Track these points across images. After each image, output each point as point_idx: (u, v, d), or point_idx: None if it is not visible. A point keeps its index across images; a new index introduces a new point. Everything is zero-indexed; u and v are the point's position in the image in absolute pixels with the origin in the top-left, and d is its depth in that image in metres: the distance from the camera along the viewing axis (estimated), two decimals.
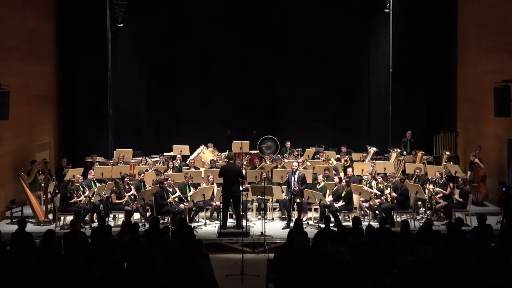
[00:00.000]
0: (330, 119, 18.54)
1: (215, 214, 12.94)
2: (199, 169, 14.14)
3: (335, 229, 9.70)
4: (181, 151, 15.74)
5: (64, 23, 16.41)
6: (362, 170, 14.08)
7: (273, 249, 10.25)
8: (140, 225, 11.29)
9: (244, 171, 12.89)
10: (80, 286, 6.63)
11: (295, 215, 12.25)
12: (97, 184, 12.93)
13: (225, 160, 13.18)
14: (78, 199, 12.25)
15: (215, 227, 12.23)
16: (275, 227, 12.31)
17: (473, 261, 6.83)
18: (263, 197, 12.15)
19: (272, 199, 12.89)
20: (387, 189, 12.47)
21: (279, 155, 15.85)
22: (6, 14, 13.38)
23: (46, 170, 12.99)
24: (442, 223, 11.91)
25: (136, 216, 12.42)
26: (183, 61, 18.03)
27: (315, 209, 12.71)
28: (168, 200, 12.15)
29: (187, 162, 14.67)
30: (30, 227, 11.39)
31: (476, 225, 9.94)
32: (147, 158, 15.38)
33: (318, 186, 12.86)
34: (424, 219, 12.06)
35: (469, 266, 6.79)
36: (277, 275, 7.68)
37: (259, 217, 12.72)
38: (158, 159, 15.29)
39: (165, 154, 15.66)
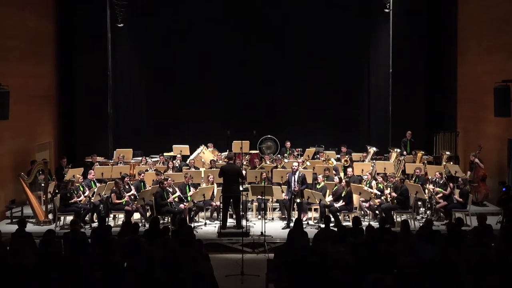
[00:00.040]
0: (330, 119, 18.54)
1: (215, 214, 12.94)
2: (199, 169, 14.14)
3: (335, 229, 9.69)
4: (181, 151, 15.74)
5: (64, 23, 16.41)
6: (362, 170, 14.07)
7: (273, 249, 10.25)
8: (140, 225, 11.29)
9: (244, 171, 12.90)
10: (80, 286, 6.63)
11: (295, 215, 12.25)
12: (97, 184, 12.93)
13: (225, 160, 13.18)
14: (78, 199, 12.25)
15: (215, 227, 12.23)
16: (275, 227, 12.31)
17: (473, 261, 6.83)
18: (263, 197, 12.15)
19: (272, 199, 12.89)
20: (387, 189, 12.47)
21: (279, 155, 15.85)
22: (6, 14, 13.39)
23: (46, 170, 13.00)
24: (442, 223, 11.92)
25: (136, 216, 12.42)
26: (183, 61, 18.02)
27: (315, 209, 12.71)
28: (168, 200, 12.16)
29: (187, 162, 14.67)
30: (30, 227, 11.39)
31: (476, 225, 9.94)
32: (147, 158, 15.38)
33: (318, 186, 12.86)
34: (424, 219, 12.06)
35: (469, 266, 6.79)
36: (277, 275, 7.67)
37: (259, 217, 12.72)
38: (158, 159, 15.29)
39: (165, 154, 15.65)
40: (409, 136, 16.11)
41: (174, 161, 14.90)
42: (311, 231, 10.58)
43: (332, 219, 11.50)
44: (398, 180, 12.59)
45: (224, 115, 17.14)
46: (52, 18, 16.08)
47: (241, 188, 11.74)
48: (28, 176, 12.77)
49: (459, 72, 16.42)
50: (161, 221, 12.03)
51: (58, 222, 12.10)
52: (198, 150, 15.56)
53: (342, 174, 13.78)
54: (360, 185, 12.93)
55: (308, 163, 14.50)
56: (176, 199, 12.42)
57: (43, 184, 13.00)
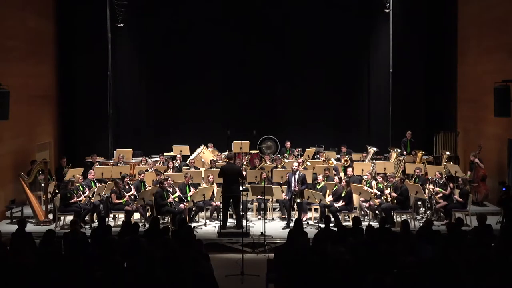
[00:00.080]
0: (330, 119, 18.54)
1: (215, 214, 12.94)
2: (199, 169, 14.14)
3: (335, 229, 9.70)
4: (181, 151, 15.74)
5: (64, 23, 16.41)
6: (362, 170, 14.08)
7: (273, 249, 10.25)
8: (140, 225, 11.29)
9: (244, 171, 12.90)
10: (80, 286, 6.63)
11: (295, 215, 12.25)
12: (97, 184, 12.93)
13: (225, 160, 13.18)
14: (78, 199, 12.25)
15: (215, 227, 12.23)
16: (275, 227, 12.31)
17: (473, 261, 6.83)
18: (263, 197, 12.15)
19: (272, 199, 12.89)
20: (387, 189, 12.47)
21: (279, 155, 15.85)
22: (6, 14, 13.39)
23: (46, 170, 12.99)
24: (442, 223, 11.92)
25: (136, 216, 12.42)
26: (183, 61, 18.02)
27: (315, 209, 12.71)
28: (168, 200, 12.15)
29: (187, 162, 14.67)
30: (30, 227, 11.39)
31: (476, 225, 9.94)
32: (147, 158, 15.38)
33: (318, 186, 12.86)
34: (424, 219, 12.06)
35: (469, 266, 6.79)
36: (277, 275, 7.67)
37: (259, 217, 12.72)
38: (158, 159, 15.29)
39: (165, 154, 15.66)
40: (409, 136, 16.11)
41: (174, 161, 14.90)
42: (311, 231, 10.58)
43: (332, 219, 11.50)
44: (398, 180, 12.59)
45: (224, 115, 17.14)
46: (52, 18, 16.08)
47: (241, 188, 11.74)
48: (28, 176, 12.77)
49: (459, 72, 16.42)
50: (161, 221, 12.03)
51: (58, 222, 12.10)
52: (198, 150, 15.56)
53: (342, 174, 13.78)
54: (360, 185, 12.93)
55: (308, 163, 14.49)
56: (176, 199, 12.42)
57: (43, 184, 13.00)
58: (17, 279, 6.68)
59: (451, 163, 14.53)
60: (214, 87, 18.32)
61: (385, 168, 14.05)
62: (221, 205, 11.82)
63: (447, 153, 15.18)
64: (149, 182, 13.15)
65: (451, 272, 6.53)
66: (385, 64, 17.14)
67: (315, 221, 12.56)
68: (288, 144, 16.42)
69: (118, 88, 17.36)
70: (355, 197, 12.48)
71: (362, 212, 12.77)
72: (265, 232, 11.28)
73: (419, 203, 12.95)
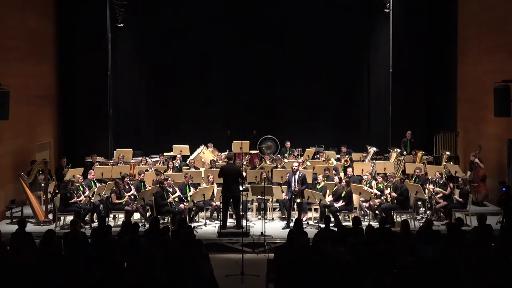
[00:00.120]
0: (330, 119, 18.54)
1: (215, 214, 12.94)
2: (199, 169, 14.14)
3: (335, 229, 9.69)
4: (181, 151, 15.73)
5: (64, 23, 16.41)
6: (362, 170, 14.07)
7: (273, 249, 10.25)
8: (140, 225, 11.29)
9: (244, 171, 12.90)
10: (80, 286, 6.63)
11: (295, 215, 12.25)
12: (97, 184, 12.92)
13: (225, 160, 13.18)
14: (78, 199, 12.25)
15: (215, 227, 12.23)
16: (275, 227, 12.31)
17: (473, 261, 6.83)
18: (263, 197, 12.15)
19: (272, 199, 12.89)
20: (387, 189, 12.47)
21: (279, 155, 15.85)
22: (6, 14, 13.38)
23: (46, 170, 12.99)
24: (442, 223, 11.91)
25: (136, 216, 12.42)
26: (183, 61, 18.02)
27: (315, 209, 12.71)
28: (168, 200, 12.15)
29: (187, 162, 14.67)
30: (30, 227, 11.39)
31: (476, 225, 9.94)
32: (147, 158, 15.37)
33: (318, 186, 12.86)
34: (424, 219, 12.06)
35: (469, 266, 6.79)
36: (277, 275, 7.67)
37: (259, 217, 12.72)
38: (158, 159, 15.29)
39: (165, 154, 15.65)
40: (409, 136, 16.11)
41: (174, 161, 14.89)
42: (311, 231, 10.58)
43: (332, 219, 11.50)
44: (398, 180, 12.59)
45: (224, 115, 17.14)
46: (52, 18, 16.08)
47: (241, 188, 11.74)
48: (28, 176, 12.77)
49: (459, 72, 16.42)
50: (161, 221, 12.03)
51: (58, 222, 12.10)
52: (198, 150, 15.56)
53: (342, 174, 13.78)
54: (360, 185, 12.92)
55: (308, 163, 14.49)
56: (176, 199, 12.42)
57: (43, 184, 13.00)
58: (17, 279, 6.68)
59: (451, 163, 14.53)
60: (214, 87, 18.32)
61: (385, 168, 14.05)
62: (221, 205, 11.82)
63: (447, 153, 15.18)
64: (149, 182, 13.15)
65: (451, 272, 6.53)
66: (385, 64, 17.14)
67: (315, 221, 12.56)
68: (288, 144, 16.41)
69: (118, 88, 17.36)
70: (355, 197, 12.48)
71: (362, 212, 12.77)
72: (265, 232, 11.28)
73: (419, 203, 12.95)
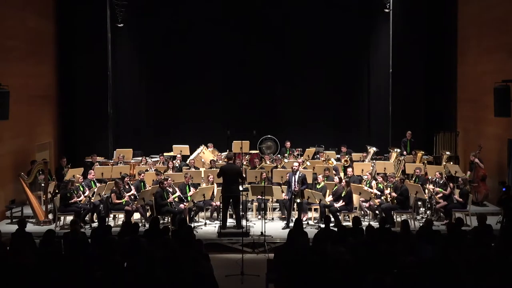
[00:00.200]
0: (330, 119, 18.54)
1: (215, 214, 12.94)
2: (199, 169, 14.14)
3: (335, 229, 9.69)
4: (181, 151, 15.73)
5: (64, 23, 16.41)
6: (362, 170, 14.07)
7: (273, 249, 10.25)
8: (140, 225, 11.29)
9: (244, 171, 12.89)
10: (80, 286, 6.63)
11: (295, 215, 12.25)
12: (97, 184, 12.92)
13: (225, 160, 13.18)
14: (78, 199, 12.25)
15: (215, 227, 12.23)
16: (275, 227, 12.31)
17: (473, 261, 6.83)
18: (263, 197, 12.15)
19: (272, 199, 12.89)
20: (387, 189, 12.47)
21: (279, 155, 15.85)
22: (6, 14, 13.39)
23: (46, 170, 12.99)
24: (442, 223, 11.92)
25: (136, 216, 12.42)
26: (183, 61, 18.02)
27: (315, 209, 12.71)
28: (168, 200, 12.15)
29: (187, 162, 14.67)
30: (30, 227, 11.39)
31: (476, 225, 9.94)
32: (147, 158, 15.37)
33: (318, 186, 12.86)
34: (424, 219, 12.06)
35: (469, 266, 6.79)
36: (277, 275, 7.67)
37: (259, 217, 12.72)
38: (158, 159, 15.28)
39: (165, 154, 15.65)
40: (409, 136, 16.11)
41: (174, 161, 14.89)
42: (311, 231, 10.59)
43: (332, 219, 11.50)
44: (398, 180, 12.59)
45: (224, 115, 17.14)
46: (52, 18, 16.08)
47: (241, 188, 11.74)
48: (28, 176, 12.77)
49: (459, 72, 16.42)
50: (161, 221, 12.03)
51: (58, 222, 12.09)
52: (198, 150, 15.56)
53: (342, 174, 13.78)
54: (360, 185, 12.92)
55: (308, 163, 14.49)
56: (176, 199, 12.42)
57: (43, 184, 13.00)
58: (17, 279, 6.68)
59: (451, 163, 14.54)
60: (214, 87, 18.32)
61: (385, 168, 14.05)
62: (221, 205, 11.82)
63: (447, 153, 15.18)
64: (149, 182, 13.15)
65: (451, 272, 6.53)
66: (385, 64, 17.14)
67: (315, 221, 12.56)
68: (288, 144, 16.42)
69: (118, 88, 17.36)
70: (355, 197, 12.48)
71: (362, 212, 12.77)
72: (265, 232, 11.28)
73: (419, 203, 12.95)
